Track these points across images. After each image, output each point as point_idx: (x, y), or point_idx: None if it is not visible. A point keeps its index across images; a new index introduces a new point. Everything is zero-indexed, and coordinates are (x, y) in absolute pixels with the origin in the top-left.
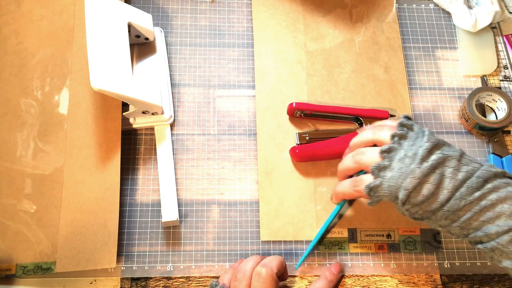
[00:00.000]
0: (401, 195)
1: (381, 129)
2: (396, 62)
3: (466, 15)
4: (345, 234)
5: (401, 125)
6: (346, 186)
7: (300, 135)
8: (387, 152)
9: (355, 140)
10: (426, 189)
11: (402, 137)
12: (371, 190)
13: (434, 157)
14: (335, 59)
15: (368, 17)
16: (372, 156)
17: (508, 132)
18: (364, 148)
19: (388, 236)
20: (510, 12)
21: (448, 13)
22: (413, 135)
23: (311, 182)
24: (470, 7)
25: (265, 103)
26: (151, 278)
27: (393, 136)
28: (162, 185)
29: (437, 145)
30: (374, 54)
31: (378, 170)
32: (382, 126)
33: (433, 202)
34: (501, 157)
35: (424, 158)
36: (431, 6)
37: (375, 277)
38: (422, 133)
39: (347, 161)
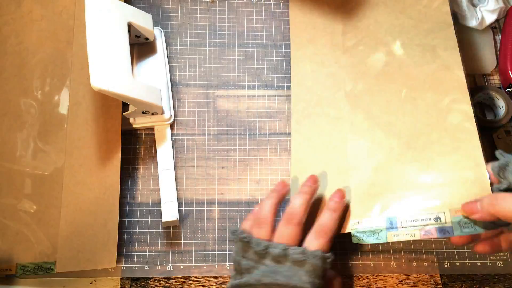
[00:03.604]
0: None
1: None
2: (446, 46)
3: (472, 14)
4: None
5: None
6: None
7: None
8: None
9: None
10: None
11: None
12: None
13: None
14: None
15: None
16: None
17: (509, 132)
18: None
19: (437, 219)
20: None
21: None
22: None
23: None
24: (473, 5)
25: (301, 106)
26: (151, 278)
27: None
28: (162, 185)
29: None
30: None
31: None
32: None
33: None
34: None
35: None
36: None
37: (375, 277)
38: None
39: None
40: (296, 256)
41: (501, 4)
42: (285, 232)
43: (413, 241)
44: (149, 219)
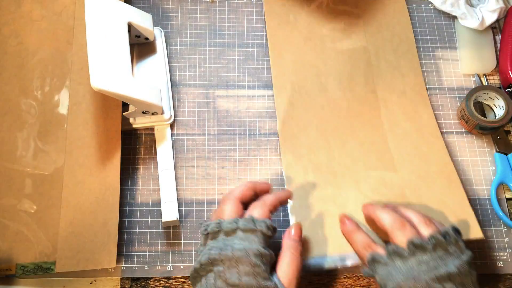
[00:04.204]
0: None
1: (425, 224)
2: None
3: (472, 15)
4: None
5: (443, 235)
6: (360, 240)
7: None
8: (414, 247)
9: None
10: None
11: (422, 248)
12: (374, 262)
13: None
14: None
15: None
16: (408, 236)
17: (509, 132)
18: (409, 225)
19: None
20: None
21: (448, 13)
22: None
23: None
24: (472, 6)
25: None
26: (151, 278)
27: (412, 244)
28: (162, 185)
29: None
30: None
31: (392, 255)
32: (426, 221)
33: None
34: (506, 154)
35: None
36: (431, 6)
37: None
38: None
39: (389, 220)
40: (247, 225)
41: (501, 4)
42: (227, 209)
43: None
44: (149, 219)
